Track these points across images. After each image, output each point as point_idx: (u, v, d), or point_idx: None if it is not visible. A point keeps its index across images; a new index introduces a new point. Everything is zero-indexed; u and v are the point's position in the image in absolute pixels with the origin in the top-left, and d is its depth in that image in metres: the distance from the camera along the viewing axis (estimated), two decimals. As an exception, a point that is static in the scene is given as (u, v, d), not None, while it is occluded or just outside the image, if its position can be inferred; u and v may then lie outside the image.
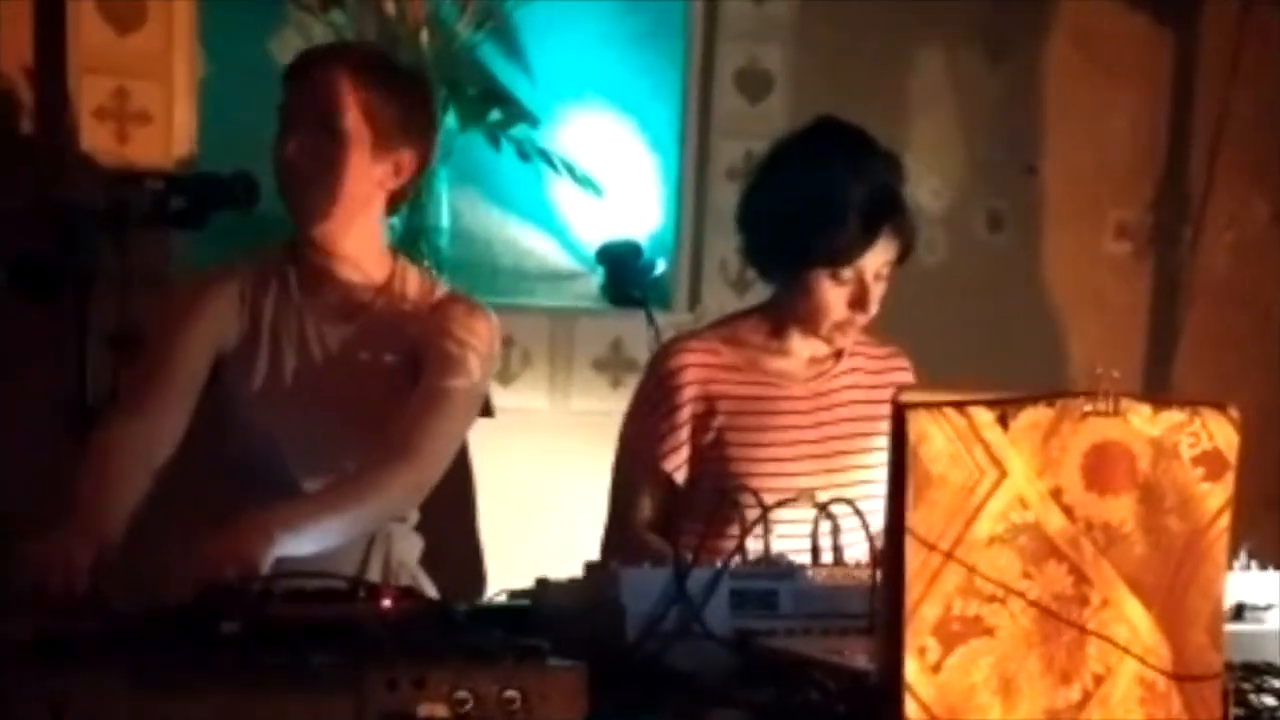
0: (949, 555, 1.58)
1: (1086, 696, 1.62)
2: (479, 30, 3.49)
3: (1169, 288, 3.89)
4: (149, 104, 3.18)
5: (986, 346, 3.64)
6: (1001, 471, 1.59)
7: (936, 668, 1.57)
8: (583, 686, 1.65)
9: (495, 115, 3.56)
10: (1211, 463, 1.67)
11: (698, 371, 2.59)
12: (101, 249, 2.24)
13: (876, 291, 2.54)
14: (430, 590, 2.49)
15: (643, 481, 2.63)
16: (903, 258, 2.56)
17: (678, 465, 2.58)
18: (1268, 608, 2.13)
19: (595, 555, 2.57)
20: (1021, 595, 1.60)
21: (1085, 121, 3.79)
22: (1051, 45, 3.77)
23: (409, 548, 2.50)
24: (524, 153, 3.52)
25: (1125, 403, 1.64)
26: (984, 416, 1.59)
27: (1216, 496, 1.68)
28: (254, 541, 2.07)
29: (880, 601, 1.60)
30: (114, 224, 2.30)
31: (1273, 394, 3.94)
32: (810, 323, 2.55)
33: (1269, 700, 1.86)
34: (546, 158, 3.54)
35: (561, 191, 3.63)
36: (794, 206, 2.49)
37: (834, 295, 2.50)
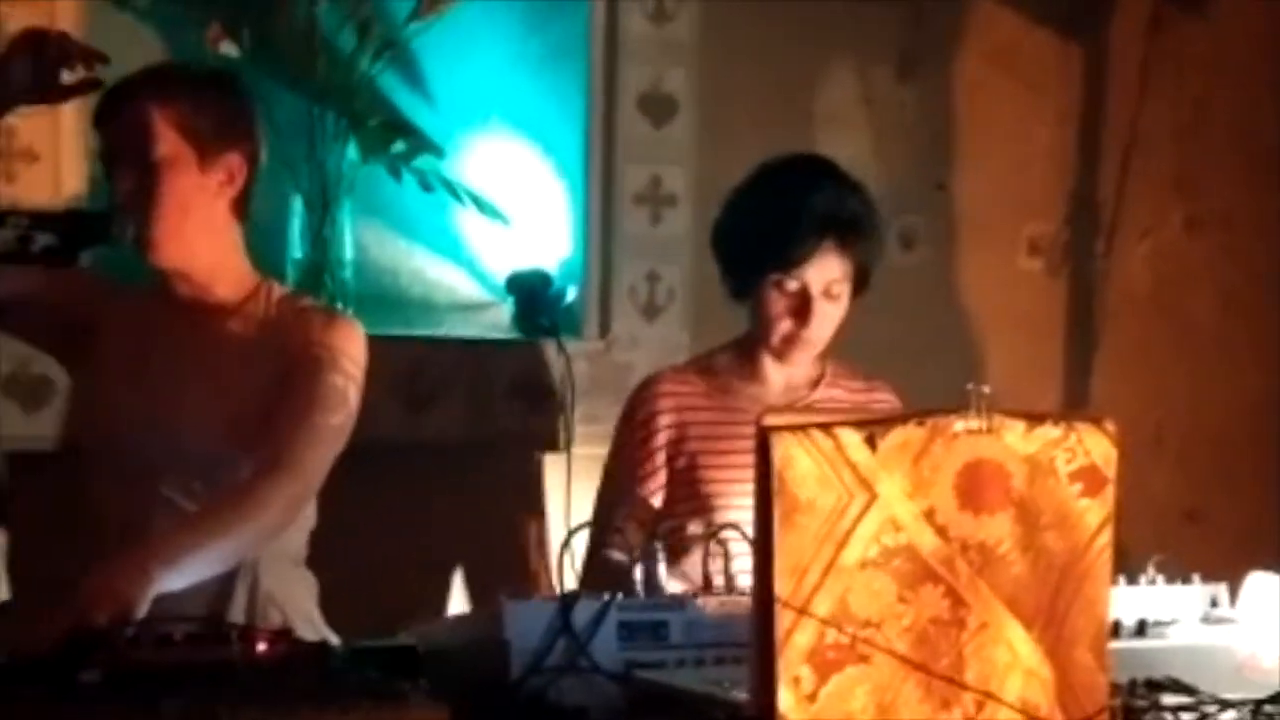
0: (819, 582, 1.54)
1: (967, 722, 1.58)
2: (378, 59, 3.43)
3: (1086, 302, 3.86)
4: (35, 141, 3.11)
5: (901, 367, 3.59)
6: (871, 494, 1.56)
7: (812, 697, 1.53)
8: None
9: (399, 147, 3.50)
10: (1089, 478, 1.65)
11: (669, 400, 2.71)
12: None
13: (825, 310, 2.59)
14: (317, 629, 2.44)
15: (621, 507, 2.70)
16: (859, 283, 2.62)
17: (653, 491, 2.69)
18: (1171, 623, 2.10)
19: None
20: (897, 620, 1.57)
21: (997, 138, 3.77)
22: (962, 61, 3.75)
23: (284, 581, 2.44)
24: (427, 184, 3.46)
25: (998, 420, 1.62)
26: (851, 438, 1.55)
27: (1095, 512, 1.65)
28: (130, 582, 2.03)
29: (752, 631, 1.56)
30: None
31: (1195, 404, 3.93)
32: (763, 338, 2.62)
33: (1167, 717, 1.82)
34: (450, 188, 3.48)
35: (469, 221, 3.58)
36: (747, 217, 2.62)
37: (779, 305, 2.58)
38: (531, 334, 3.47)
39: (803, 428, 1.53)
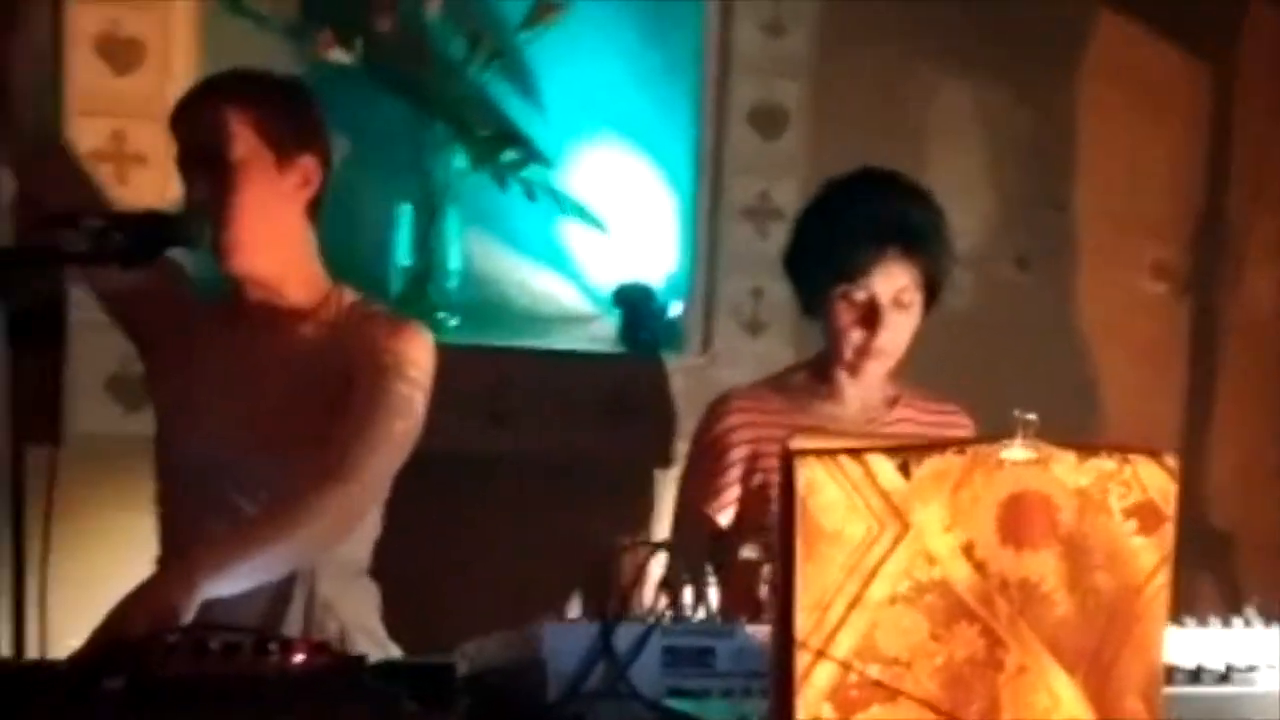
0: (844, 616, 1.47)
1: (1000, 770, 1.50)
2: (488, 68, 3.42)
3: (1209, 327, 3.72)
4: (145, 146, 3.14)
5: (1017, 392, 3.48)
6: (904, 525, 1.48)
7: (831, 736, 1.46)
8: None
9: (508, 156, 3.48)
10: (1145, 515, 1.55)
11: (742, 417, 2.67)
12: (31, 291, 2.18)
13: (895, 319, 2.55)
14: (376, 640, 2.42)
15: (693, 526, 2.68)
16: (930, 293, 2.57)
17: (720, 509, 2.65)
18: (1250, 669, 1.99)
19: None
20: (928, 659, 1.49)
21: (1118, 158, 3.65)
22: (1082, 80, 3.63)
23: (343, 590, 2.41)
24: (532, 194, 3.44)
25: (1047, 449, 1.53)
26: (883, 464, 1.48)
27: (1151, 552, 1.55)
28: (174, 588, 2.02)
29: (771, 665, 1.49)
30: (51, 265, 2.25)
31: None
32: (836, 352, 2.59)
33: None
34: (556, 199, 3.46)
35: (576, 233, 3.55)
36: (812, 232, 2.60)
37: (849, 317, 2.55)
38: (634, 348, 3.43)
39: (830, 452, 1.46)
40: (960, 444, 1.51)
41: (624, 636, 1.87)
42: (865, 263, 2.50)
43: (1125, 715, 1.53)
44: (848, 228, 2.53)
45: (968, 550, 1.50)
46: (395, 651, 2.43)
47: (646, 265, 3.52)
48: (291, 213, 2.40)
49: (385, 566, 2.57)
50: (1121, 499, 1.54)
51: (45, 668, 1.82)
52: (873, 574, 1.47)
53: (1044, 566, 1.52)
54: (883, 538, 1.47)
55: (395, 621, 2.61)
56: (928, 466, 1.49)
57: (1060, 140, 3.65)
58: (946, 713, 1.48)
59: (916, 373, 3.27)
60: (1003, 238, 3.66)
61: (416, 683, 1.87)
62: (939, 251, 2.58)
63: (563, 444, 3.38)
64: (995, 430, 1.55)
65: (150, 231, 2.26)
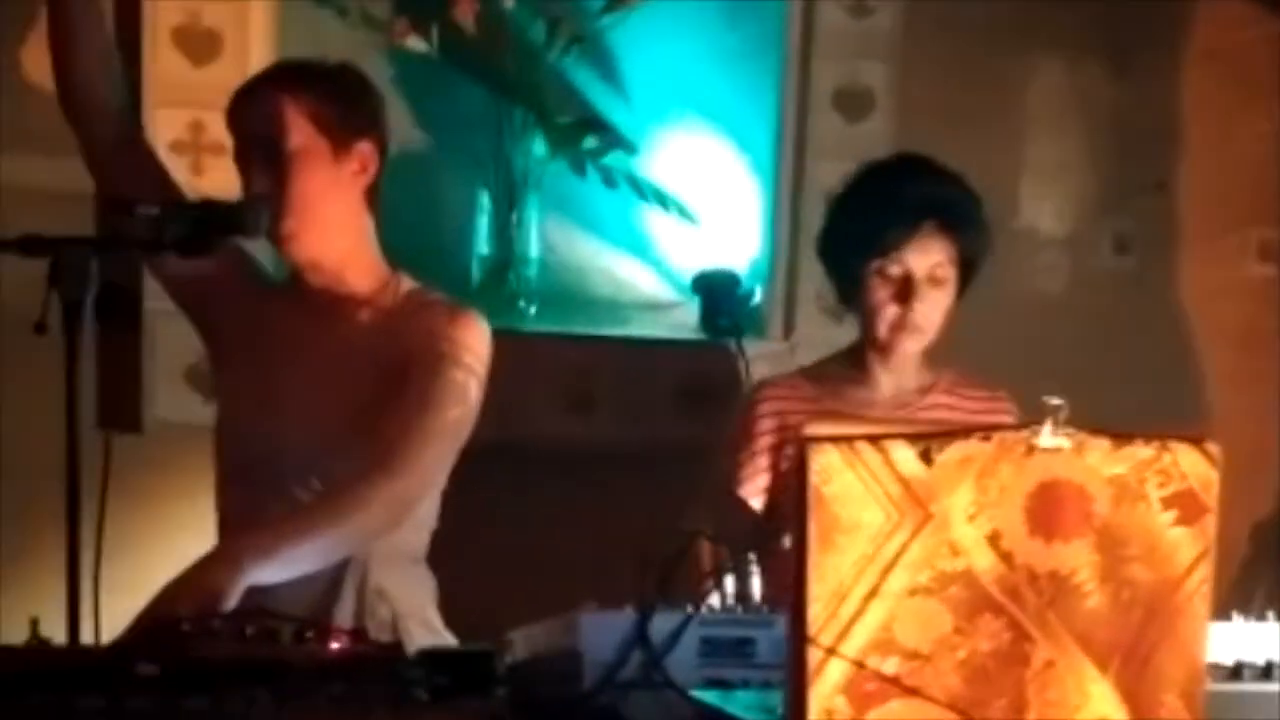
0: (860, 608, 1.41)
1: (1027, 770, 1.43)
2: (567, 53, 3.39)
3: (1317, 312, 3.58)
4: (222, 134, 3.14)
5: (1115, 379, 3.39)
6: (925, 514, 1.42)
7: (847, 732, 1.40)
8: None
9: (589, 143, 3.45)
10: (1185, 505, 1.48)
11: (776, 404, 2.68)
12: (91, 279, 2.19)
13: (931, 294, 2.55)
14: (431, 628, 2.40)
15: (731, 513, 2.68)
16: (967, 270, 2.56)
17: (754, 493, 2.66)
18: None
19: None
20: (950, 653, 1.43)
21: (1218, 137, 3.52)
22: (1180, 55, 3.51)
23: (397, 578, 2.40)
24: (611, 180, 3.41)
25: (1080, 436, 1.46)
26: (903, 452, 1.42)
27: (1191, 544, 1.48)
28: (219, 573, 2.02)
29: (787, 657, 1.44)
30: (107, 252, 2.26)
31: None
32: (870, 331, 2.59)
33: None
34: (635, 185, 3.42)
35: (658, 219, 3.51)
36: (846, 213, 2.63)
37: (883, 293, 2.55)
38: (714, 334, 3.38)
39: (847, 439, 1.41)
40: (987, 430, 1.44)
41: (662, 626, 1.84)
42: (901, 237, 2.51)
43: (1163, 714, 1.46)
44: (883, 205, 2.54)
45: (994, 540, 1.44)
46: (450, 640, 2.42)
47: (729, 251, 3.47)
48: (350, 199, 2.39)
49: (461, 555, 2.56)
50: (1160, 488, 1.47)
51: (85, 653, 1.81)
52: (891, 564, 1.41)
53: (1075, 558, 1.45)
54: (902, 527, 1.42)
55: (469, 610, 2.60)
56: (951, 453, 1.43)
57: (1160, 120, 3.54)
58: (968, 708, 1.42)
59: (1006, 358, 3.20)
60: (1100, 220, 3.56)
61: (457, 671, 1.86)
62: (975, 229, 2.58)
63: (643, 432, 3.34)
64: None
65: (208, 221, 2.27)
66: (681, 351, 3.37)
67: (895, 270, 2.53)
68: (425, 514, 2.44)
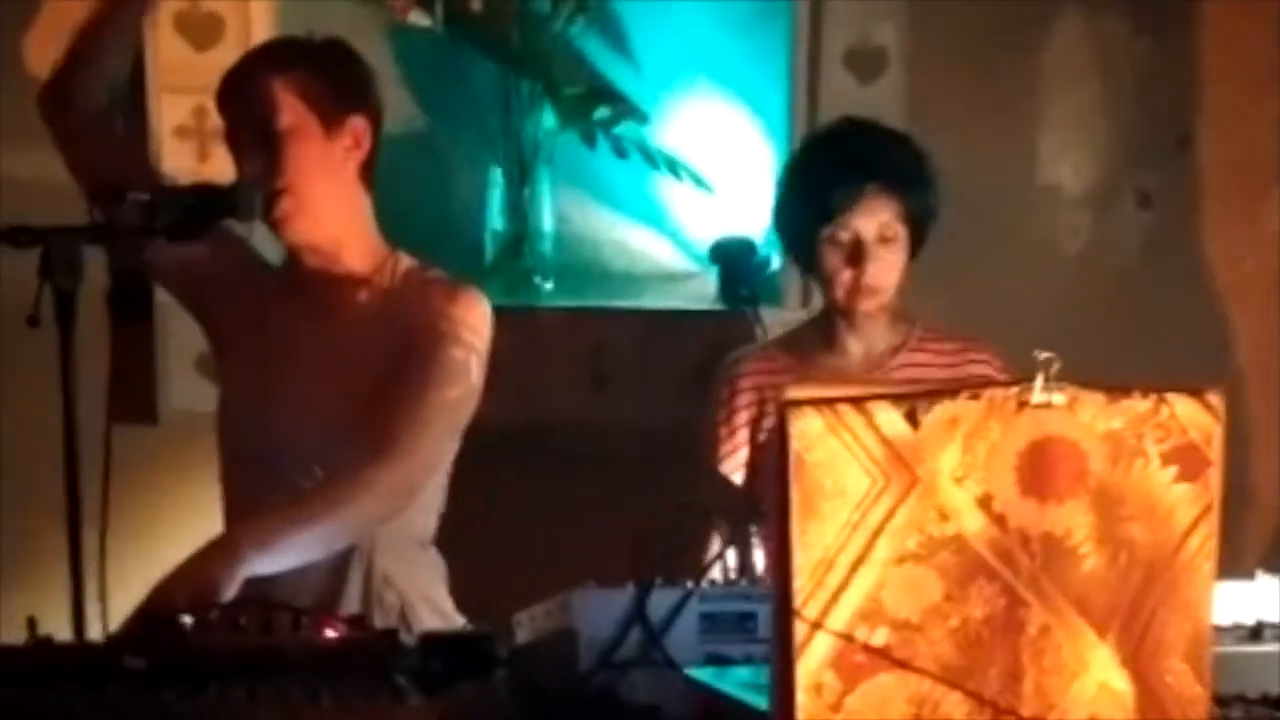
0: (847, 578, 1.36)
1: (1024, 740, 1.38)
2: (573, 22, 3.34)
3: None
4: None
5: (1139, 338, 3.32)
6: (912, 477, 1.37)
7: (836, 706, 1.36)
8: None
9: (601, 113, 3.40)
10: (1186, 460, 1.42)
11: (751, 379, 2.69)
12: (84, 268, 2.16)
13: (882, 254, 2.56)
14: (441, 612, 2.37)
15: (720, 490, 2.67)
16: (916, 228, 2.58)
17: (734, 469, 2.66)
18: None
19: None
20: (942, 621, 1.38)
21: (1245, 91, 3.43)
22: (1205, 8, 3.43)
23: (404, 563, 2.36)
24: (622, 150, 3.36)
25: (1073, 391, 1.40)
26: (887, 413, 1.37)
27: (1193, 501, 1.42)
28: (217, 564, 1.99)
29: (772, 631, 1.40)
30: (98, 241, 2.23)
31: None
32: (829, 299, 2.61)
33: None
34: (647, 154, 3.37)
35: (673, 189, 3.46)
36: (792, 183, 2.64)
37: (836, 258, 2.56)
38: (733, 304, 3.33)
39: (828, 402, 1.36)
40: (975, 388, 1.39)
41: (661, 603, 1.80)
42: (846, 201, 2.52)
43: (1165, 679, 1.40)
44: (827, 170, 2.57)
45: (985, 503, 1.38)
46: (462, 624, 2.38)
47: (745, 218, 3.42)
48: (344, 177, 2.35)
49: (477, 538, 2.53)
50: (1158, 443, 1.41)
51: (72, 649, 1.79)
52: (878, 531, 1.36)
53: (1071, 519, 1.40)
54: (889, 492, 1.36)
55: (485, 594, 2.56)
56: (938, 413, 1.37)
57: (1182, 72, 3.45)
58: (962, 678, 1.37)
59: (1031, 323, 3.14)
60: (1122, 175, 3.47)
61: (456, 656, 1.83)
62: (920, 187, 2.59)
63: (662, 407, 3.29)
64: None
65: (198, 205, 2.24)
66: (700, 322, 3.31)
67: (844, 235, 2.54)
68: (432, 497, 2.40)
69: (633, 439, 3.24)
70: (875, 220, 2.55)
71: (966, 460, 1.38)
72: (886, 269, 2.58)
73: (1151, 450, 1.41)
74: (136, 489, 3.20)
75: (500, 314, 3.30)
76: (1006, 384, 1.40)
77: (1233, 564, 1.93)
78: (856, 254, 2.55)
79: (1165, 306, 3.42)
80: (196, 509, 3.06)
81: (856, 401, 1.36)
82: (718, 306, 3.35)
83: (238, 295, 2.40)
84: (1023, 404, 1.39)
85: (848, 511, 1.36)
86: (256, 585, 2.07)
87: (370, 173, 2.39)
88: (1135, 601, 1.40)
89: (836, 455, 1.36)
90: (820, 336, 2.68)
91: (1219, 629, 1.81)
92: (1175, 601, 1.41)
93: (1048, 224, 3.51)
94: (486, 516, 3.11)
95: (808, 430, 1.35)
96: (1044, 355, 1.41)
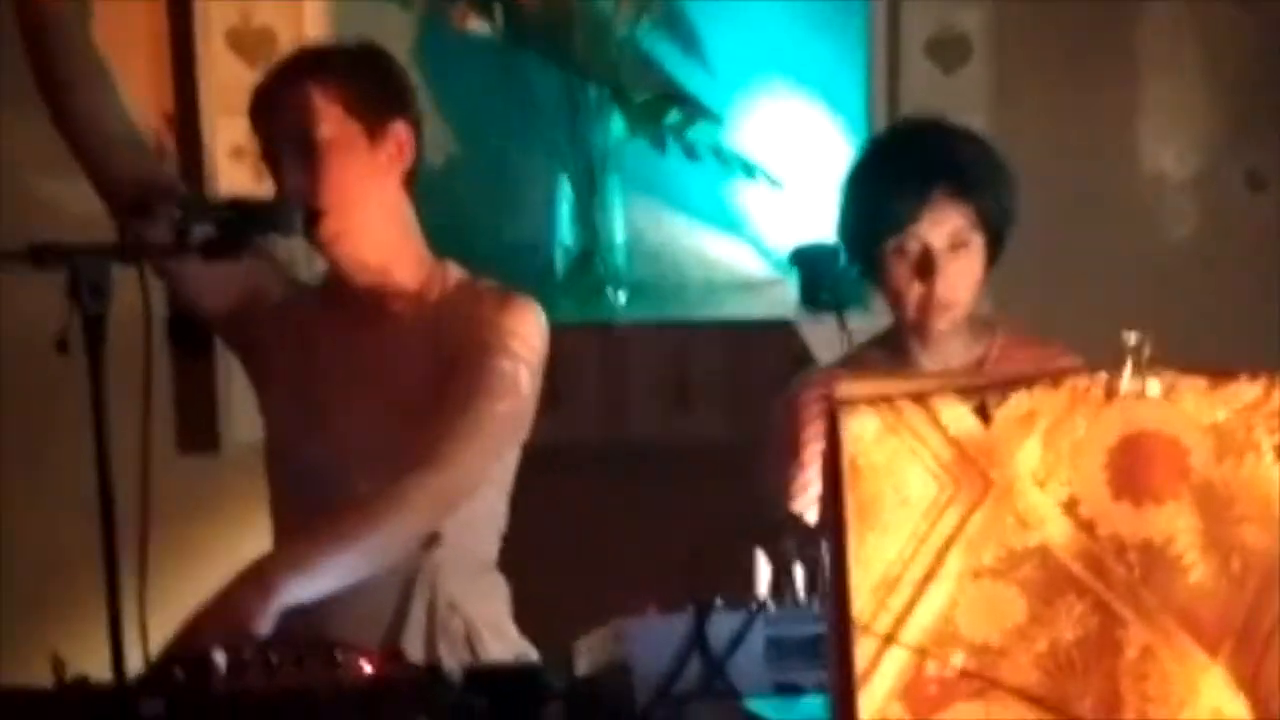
0: (914, 597, 1.20)
1: (1127, 778, 1.21)
2: (638, 23, 3.20)
3: None
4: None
5: (1252, 330, 3.11)
6: (985, 481, 1.20)
7: (906, 744, 1.19)
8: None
9: (673, 118, 3.26)
10: (1305, 452, 1.24)
11: (818, 405, 2.41)
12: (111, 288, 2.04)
13: (953, 266, 2.31)
14: (506, 638, 2.21)
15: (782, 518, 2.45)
16: (992, 234, 2.33)
17: (807, 505, 2.42)
18: None
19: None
20: (1027, 644, 1.21)
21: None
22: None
23: (469, 587, 2.22)
24: (694, 153, 3.21)
25: (1169, 377, 1.23)
26: (954, 408, 1.20)
27: (1315, 498, 1.23)
28: (248, 598, 1.85)
29: (830, 659, 1.23)
30: (127, 260, 2.11)
31: None
32: (899, 316, 2.37)
33: None
34: (721, 157, 3.22)
35: (750, 193, 3.31)
36: (855, 188, 2.40)
37: (903, 271, 2.32)
38: (814, 311, 3.16)
39: (885, 399, 1.20)
40: (1054, 375, 1.22)
41: (724, 628, 1.64)
42: (913, 209, 2.28)
43: (1293, 704, 1.22)
44: (891, 177, 2.33)
45: (1071, 508, 1.21)
46: (527, 649, 2.24)
47: (826, 221, 3.25)
48: (389, 188, 2.22)
49: (555, 560, 2.39)
50: (1272, 434, 1.23)
51: (90, 691, 1.66)
52: (949, 543, 1.20)
53: (1172, 523, 1.22)
54: (959, 498, 1.20)
55: (562, 618, 2.44)
56: (1013, 406, 1.21)
57: (1286, 45, 3.24)
58: (1053, 709, 1.20)
59: (1137, 316, 2.94)
60: (1229, 156, 3.27)
61: (502, 688, 1.69)
62: (994, 190, 2.33)
63: (748, 418, 3.14)
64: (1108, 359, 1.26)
65: (236, 220, 2.11)
66: (783, 332, 3.15)
67: (912, 246, 2.30)
68: (492, 516, 2.26)
69: (717, 454, 3.09)
70: (945, 228, 2.31)
71: (1048, 459, 1.21)
72: (960, 281, 2.33)
73: (1264, 443, 1.23)
74: (199, 520, 3.12)
75: (575, 330, 3.20)
76: (1091, 370, 1.23)
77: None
78: (926, 266, 2.32)
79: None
80: (260, 540, 2.98)
81: (918, 396, 1.20)
82: (800, 315, 3.19)
83: (277, 318, 2.27)
84: (1112, 393, 1.22)
85: (913, 522, 1.20)
86: (306, 617, 1.94)
87: (413, 182, 2.26)
88: (1251, 615, 1.22)
89: (897, 458, 1.19)
90: (890, 355, 2.44)
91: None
92: (1298, 614, 1.23)
93: (1154, 213, 3.31)
94: (564, 536, 2.99)
95: (864, 431, 1.19)
96: (1132, 337, 1.24)
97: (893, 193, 2.31)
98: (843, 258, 3.18)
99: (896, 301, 2.35)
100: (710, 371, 3.20)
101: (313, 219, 2.14)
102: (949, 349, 2.38)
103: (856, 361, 2.49)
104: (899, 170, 2.34)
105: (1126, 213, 3.28)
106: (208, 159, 3.08)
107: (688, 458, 3.10)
